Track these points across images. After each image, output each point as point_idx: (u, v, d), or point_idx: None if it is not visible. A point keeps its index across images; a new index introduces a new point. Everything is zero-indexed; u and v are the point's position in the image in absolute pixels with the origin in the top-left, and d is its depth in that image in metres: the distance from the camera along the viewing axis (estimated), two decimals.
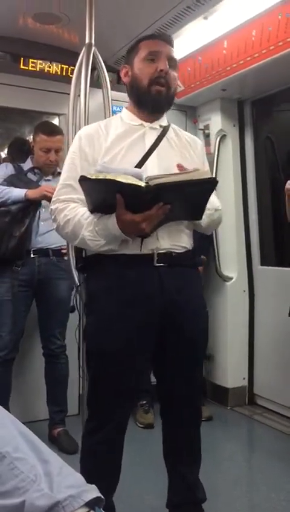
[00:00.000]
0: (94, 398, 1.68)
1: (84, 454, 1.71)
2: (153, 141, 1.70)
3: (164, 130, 1.75)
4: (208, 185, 1.54)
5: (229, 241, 3.40)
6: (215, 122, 3.43)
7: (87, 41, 2.23)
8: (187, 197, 1.52)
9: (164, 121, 1.79)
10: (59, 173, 2.80)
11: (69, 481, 1.01)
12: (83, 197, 1.59)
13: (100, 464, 1.65)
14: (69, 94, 2.30)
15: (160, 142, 1.71)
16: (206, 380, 3.46)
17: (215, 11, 2.57)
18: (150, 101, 1.70)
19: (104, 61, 2.36)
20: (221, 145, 3.42)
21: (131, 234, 1.55)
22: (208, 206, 1.65)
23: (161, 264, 1.62)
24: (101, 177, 1.44)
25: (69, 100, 2.28)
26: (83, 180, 1.47)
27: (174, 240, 1.66)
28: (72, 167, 1.69)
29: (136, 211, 1.50)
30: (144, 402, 3.04)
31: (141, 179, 1.44)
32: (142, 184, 1.42)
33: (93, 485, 1.03)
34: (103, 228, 1.56)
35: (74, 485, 1.00)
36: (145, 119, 1.74)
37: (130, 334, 1.60)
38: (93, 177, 1.45)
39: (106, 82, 2.43)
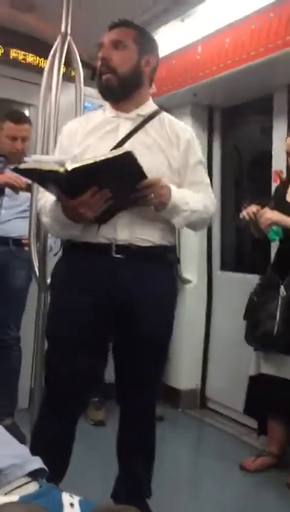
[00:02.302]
0: (47, 384, 1.70)
1: (34, 439, 1.70)
2: (126, 133, 1.66)
3: (145, 120, 1.69)
4: (127, 161, 1.44)
5: (191, 244, 3.43)
6: None
7: (62, 30, 2.22)
8: (114, 176, 1.48)
9: (146, 109, 1.73)
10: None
11: (12, 451, 0.99)
12: None
13: (49, 450, 1.62)
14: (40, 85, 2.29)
15: (135, 132, 1.66)
16: None
17: (192, 14, 2.61)
18: (104, 92, 1.70)
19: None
20: None
21: (75, 219, 1.56)
22: (185, 207, 1.62)
23: (119, 256, 1.61)
24: (23, 166, 1.50)
25: (40, 91, 2.27)
26: (16, 170, 1.52)
27: (137, 232, 1.63)
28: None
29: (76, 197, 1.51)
30: (96, 399, 3.02)
31: (63, 165, 1.45)
32: (61, 169, 1.42)
33: (38, 457, 1.02)
34: (55, 214, 1.60)
35: (18, 455, 0.99)
36: (121, 110, 1.72)
37: (79, 321, 1.61)
38: (21, 167, 1.51)
39: (79, 75, 2.42)
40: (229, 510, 2.16)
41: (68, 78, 2.48)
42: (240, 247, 3.47)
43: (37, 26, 3.05)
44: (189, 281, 3.42)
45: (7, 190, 2.64)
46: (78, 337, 1.61)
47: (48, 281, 2.28)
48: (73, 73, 2.43)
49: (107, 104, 1.77)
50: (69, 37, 2.24)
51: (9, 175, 2.60)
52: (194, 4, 2.52)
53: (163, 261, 1.71)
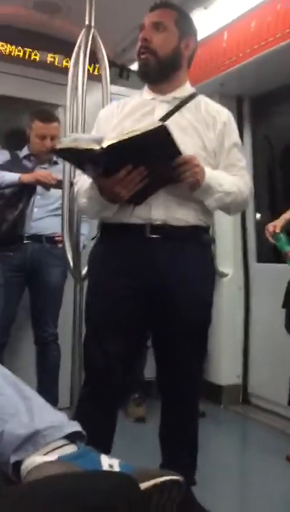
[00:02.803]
0: (86, 362, 1.69)
1: (75, 415, 1.68)
2: (162, 115, 1.64)
3: (182, 103, 1.67)
4: (161, 136, 1.42)
5: (225, 237, 3.37)
6: None
7: (86, 22, 2.23)
8: (148, 153, 1.46)
9: (183, 92, 1.71)
10: (55, 162, 2.82)
11: (50, 416, 0.98)
12: None
13: (89, 431, 1.61)
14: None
15: (171, 115, 1.64)
16: None
17: (216, 0, 2.57)
18: (141, 71, 1.70)
19: None
20: None
21: (110, 199, 1.55)
22: (219, 188, 1.60)
23: (154, 236, 1.59)
24: (61, 146, 1.50)
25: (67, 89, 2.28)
26: (53, 151, 1.50)
27: (172, 211, 1.60)
28: None
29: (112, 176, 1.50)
30: (136, 396, 2.99)
31: (100, 143, 1.42)
32: (97, 147, 1.40)
33: (76, 422, 1.00)
34: (91, 195, 1.60)
35: (56, 419, 0.97)
36: (158, 92, 1.71)
37: (116, 303, 1.60)
38: (58, 147, 1.52)
39: (105, 69, 2.42)
40: (277, 502, 2.08)
41: (95, 77, 2.48)
42: None
43: (63, 28, 3.09)
44: (225, 275, 3.37)
45: (39, 188, 2.67)
46: (115, 318, 1.60)
47: (83, 272, 2.29)
48: (98, 71, 2.43)
49: (145, 87, 1.77)
50: (93, 30, 2.25)
51: (39, 173, 2.63)
52: None
53: (198, 241, 1.68)
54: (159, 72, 1.67)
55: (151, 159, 1.49)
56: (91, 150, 1.40)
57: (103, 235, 1.72)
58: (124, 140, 1.40)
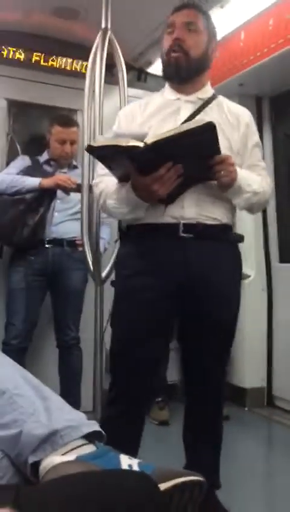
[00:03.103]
0: (113, 367, 1.66)
1: (102, 423, 1.66)
2: (187, 115, 1.64)
3: (205, 103, 1.69)
4: (206, 133, 1.42)
5: (246, 237, 3.26)
6: None
7: (103, 25, 2.23)
8: (190, 151, 1.45)
9: (205, 93, 1.73)
10: (75, 166, 2.84)
11: (69, 415, 0.98)
12: None
13: (117, 435, 1.60)
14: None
15: (197, 114, 1.65)
16: None
17: None
18: (170, 70, 1.69)
19: None
20: None
21: (146, 198, 1.52)
22: (248, 189, 1.60)
23: (187, 235, 1.57)
24: (99, 144, 1.45)
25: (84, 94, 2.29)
26: (90, 148, 1.48)
27: (204, 210, 1.60)
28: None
29: (149, 174, 1.47)
30: (160, 399, 2.97)
31: (142, 140, 1.41)
32: (140, 144, 1.39)
33: (94, 421, 0.99)
34: (124, 195, 1.55)
35: (74, 419, 0.97)
36: (182, 92, 1.70)
37: (147, 303, 1.57)
38: (96, 145, 1.46)
39: (123, 72, 2.42)
40: None
41: (113, 80, 2.48)
42: None
43: (82, 33, 3.11)
44: (248, 276, 3.32)
45: (59, 193, 2.68)
46: (148, 320, 1.58)
47: (103, 275, 2.30)
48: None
49: (166, 87, 1.77)
50: (109, 32, 2.26)
51: (59, 177, 2.65)
52: None
53: (228, 240, 1.69)
54: (188, 73, 1.67)
55: (191, 156, 1.47)
56: (136, 147, 1.38)
57: (129, 237, 1.68)
58: (171, 136, 1.38)
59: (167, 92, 1.75)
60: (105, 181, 1.66)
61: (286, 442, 2.79)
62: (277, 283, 3.33)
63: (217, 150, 1.50)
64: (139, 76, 3.44)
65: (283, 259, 3.34)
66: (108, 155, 1.51)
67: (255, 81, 3.11)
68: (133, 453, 1.62)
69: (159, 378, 2.99)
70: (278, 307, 3.30)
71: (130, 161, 1.46)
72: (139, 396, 1.65)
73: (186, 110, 1.66)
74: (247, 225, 3.29)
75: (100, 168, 1.68)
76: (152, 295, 1.57)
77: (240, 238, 1.76)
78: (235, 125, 1.69)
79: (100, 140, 1.50)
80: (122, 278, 1.68)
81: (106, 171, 1.63)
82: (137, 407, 1.67)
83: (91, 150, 1.48)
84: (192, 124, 1.41)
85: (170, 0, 2.62)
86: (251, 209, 1.75)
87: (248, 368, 3.29)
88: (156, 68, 3.37)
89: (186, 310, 1.63)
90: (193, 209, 1.58)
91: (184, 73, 1.67)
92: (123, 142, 1.39)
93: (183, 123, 1.59)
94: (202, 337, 1.65)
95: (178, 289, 1.58)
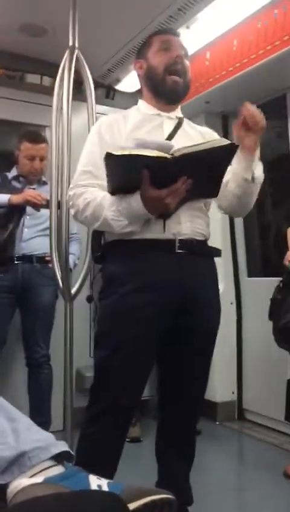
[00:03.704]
0: (101, 383, 1.60)
1: (81, 440, 1.63)
2: (170, 130, 1.70)
3: (180, 121, 1.75)
4: (229, 151, 1.48)
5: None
6: None
7: (70, 43, 2.25)
8: (209, 166, 1.48)
9: (179, 112, 1.80)
10: (44, 182, 2.83)
11: (37, 436, 0.96)
12: (102, 182, 1.56)
13: (98, 452, 1.57)
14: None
15: (177, 131, 1.70)
16: None
17: (197, 20, 2.62)
18: (167, 91, 1.72)
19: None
20: None
21: (155, 212, 1.50)
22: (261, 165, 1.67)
23: (182, 251, 1.58)
24: (126, 152, 1.41)
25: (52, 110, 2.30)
26: (109, 157, 1.42)
27: (196, 226, 1.63)
28: (91, 154, 1.67)
29: (160, 187, 1.46)
30: None
31: (168, 151, 1.41)
32: (168, 156, 1.39)
33: (63, 441, 0.98)
34: (126, 207, 1.51)
35: (42, 439, 0.95)
36: (163, 109, 1.74)
37: (147, 320, 1.55)
38: (119, 153, 1.41)
39: (91, 90, 2.43)
40: None
41: (80, 97, 2.49)
42: (265, 252, 3.40)
43: (49, 50, 3.12)
44: None
45: (28, 209, 2.67)
46: (147, 336, 1.57)
47: (73, 291, 2.28)
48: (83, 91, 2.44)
49: (141, 102, 1.80)
50: (77, 51, 2.27)
51: (29, 193, 2.63)
52: (199, 9, 2.51)
53: (210, 254, 1.73)
54: (184, 96, 1.78)
55: (203, 173, 1.48)
56: (163, 158, 1.38)
57: (118, 253, 1.63)
58: (200, 151, 1.40)
59: (144, 107, 1.77)
60: (91, 192, 1.60)
61: (256, 455, 2.81)
62: (246, 297, 3.37)
63: (224, 171, 1.55)
64: (107, 94, 3.47)
65: (250, 274, 3.39)
66: (124, 164, 1.46)
67: (221, 99, 3.17)
68: (113, 467, 1.63)
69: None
70: (247, 321, 3.34)
71: (150, 172, 1.44)
72: (130, 411, 1.64)
73: (169, 126, 1.71)
74: (215, 242, 3.32)
75: (82, 178, 1.65)
76: (153, 311, 1.55)
77: (219, 252, 1.79)
78: (209, 138, 1.72)
79: (128, 149, 1.43)
80: (119, 296, 1.58)
81: (88, 181, 1.62)
82: (125, 422, 1.65)
83: (111, 158, 1.43)
84: (221, 142, 1.45)
85: (137, 19, 2.72)
86: (250, 201, 1.78)
87: (218, 382, 3.29)
88: (125, 85, 3.43)
89: (179, 324, 1.62)
90: (188, 225, 1.61)
91: (178, 96, 1.75)
92: (151, 153, 1.38)
93: (169, 136, 1.66)
94: (187, 354, 1.66)
95: (173, 306, 1.58)
